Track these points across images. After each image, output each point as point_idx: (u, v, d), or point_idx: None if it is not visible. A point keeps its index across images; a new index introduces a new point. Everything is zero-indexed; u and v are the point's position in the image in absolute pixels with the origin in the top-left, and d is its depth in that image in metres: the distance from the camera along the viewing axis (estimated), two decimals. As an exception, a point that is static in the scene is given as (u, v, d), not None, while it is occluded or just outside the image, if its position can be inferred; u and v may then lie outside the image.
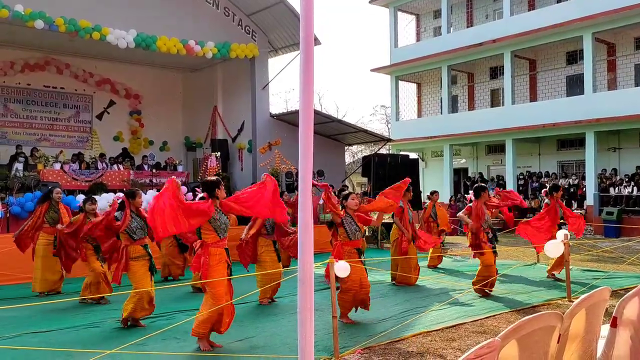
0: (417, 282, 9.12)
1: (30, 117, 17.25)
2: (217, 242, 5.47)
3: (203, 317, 5.43)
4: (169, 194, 5.20)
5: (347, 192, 7.14)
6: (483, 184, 8.54)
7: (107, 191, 13.35)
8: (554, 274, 9.42)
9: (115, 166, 15.74)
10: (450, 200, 21.67)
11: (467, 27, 24.85)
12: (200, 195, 6.61)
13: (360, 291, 6.51)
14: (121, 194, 6.72)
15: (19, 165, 13.57)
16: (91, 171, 14.81)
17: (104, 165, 15.49)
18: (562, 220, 9.94)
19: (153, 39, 14.79)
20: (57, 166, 14.21)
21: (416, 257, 9.17)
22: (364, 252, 7.00)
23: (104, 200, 12.52)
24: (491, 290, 8.02)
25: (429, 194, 11.51)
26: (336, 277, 5.55)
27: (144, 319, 6.59)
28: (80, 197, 11.11)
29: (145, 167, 16.36)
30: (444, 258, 11.80)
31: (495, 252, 8.07)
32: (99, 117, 18.64)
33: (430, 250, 10.87)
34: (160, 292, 8.20)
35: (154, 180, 15.18)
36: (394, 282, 9.20)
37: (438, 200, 11.38)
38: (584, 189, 19.60)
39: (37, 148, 15.51)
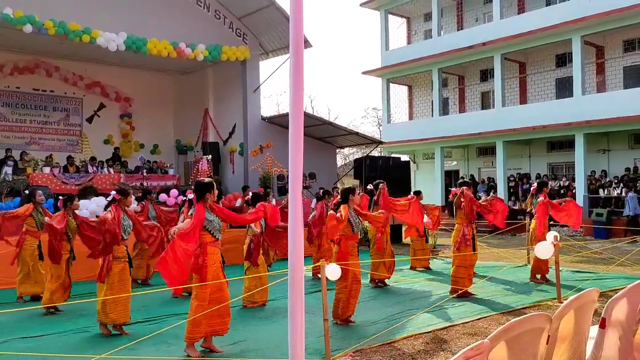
0: (404, 284, 9.14)
1: (20, 121, 17.10)
2: (214, 242, 5.53)
3: (194, 321, 5.39)
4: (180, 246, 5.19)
5: (352, 187, 7.28)
6: (468, 181, 8.59)
7: (97, 194, 13.27)
8: (537, 278, 9.41)
9: (105, 169, 15.65)
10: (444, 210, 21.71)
11: (458, 30, 24.97)
12: (190, 196, 6.61)
13: (353, 287, 6.62)
14: (113, 192, 6.65)
15: (8, 169, 13.44)
16: (81, 175, 14.70)
17: (95, 168, 15.39)
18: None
19: (143, 41, 14.71)
20: (47, 170, 14.10)
21: (393, 258, 9.19)
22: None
23: (94, 204, 12.44)
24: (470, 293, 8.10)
25: (413, 194, 11.34)
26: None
27: (129, 324, 6.53)
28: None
29: (140, 170, 16.27)
30: (434, 260, 11.81)
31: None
32: (89, 120, 18.51)
33: (411, 251, 11.01)
34: (150, 296, 8.17)
35: (145, 184, 15.10)
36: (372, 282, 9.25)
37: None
38: (574, 191, 19.72)
39: (27, 152, 15.37)
